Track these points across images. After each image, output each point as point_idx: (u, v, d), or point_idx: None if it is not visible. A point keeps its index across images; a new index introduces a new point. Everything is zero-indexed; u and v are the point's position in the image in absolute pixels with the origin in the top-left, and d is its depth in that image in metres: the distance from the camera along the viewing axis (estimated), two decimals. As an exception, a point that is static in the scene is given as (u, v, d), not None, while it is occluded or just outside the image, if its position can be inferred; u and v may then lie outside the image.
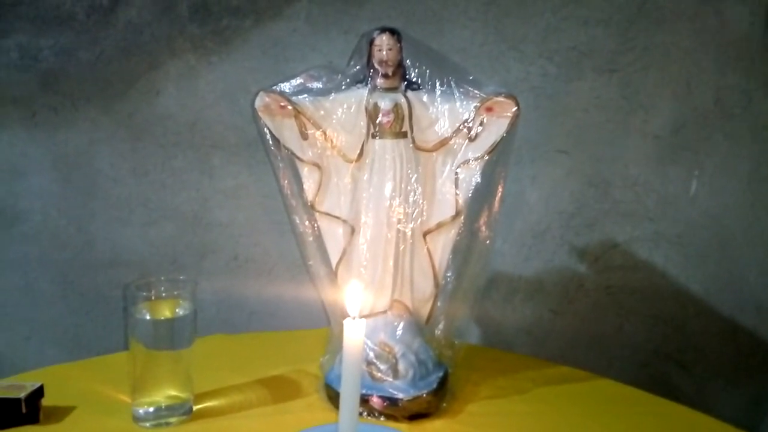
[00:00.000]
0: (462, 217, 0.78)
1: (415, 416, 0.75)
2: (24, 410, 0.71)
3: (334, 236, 0.81)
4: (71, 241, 1.15)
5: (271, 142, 0.78)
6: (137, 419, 0.73)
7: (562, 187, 1.15)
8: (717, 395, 1.14)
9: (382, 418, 0.74)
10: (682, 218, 1.14)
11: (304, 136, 0.78)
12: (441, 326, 0.81)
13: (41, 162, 1.13)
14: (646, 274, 1.15)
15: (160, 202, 1.15)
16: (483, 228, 0.79)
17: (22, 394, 0.71)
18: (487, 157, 0.76)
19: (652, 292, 1.16)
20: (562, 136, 1.13)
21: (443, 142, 0.77)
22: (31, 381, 0.74)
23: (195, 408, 0.75)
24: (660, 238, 1.14)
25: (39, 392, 0.73)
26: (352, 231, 0.79)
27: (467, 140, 0.76)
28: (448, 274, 0.80)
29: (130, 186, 1.15)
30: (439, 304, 0.81)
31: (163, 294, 0.74)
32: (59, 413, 0.74)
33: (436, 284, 0.80)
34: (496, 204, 0.78)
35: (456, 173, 0.77)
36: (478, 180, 0.77)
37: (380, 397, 0.74)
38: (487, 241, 0.79)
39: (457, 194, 0.77)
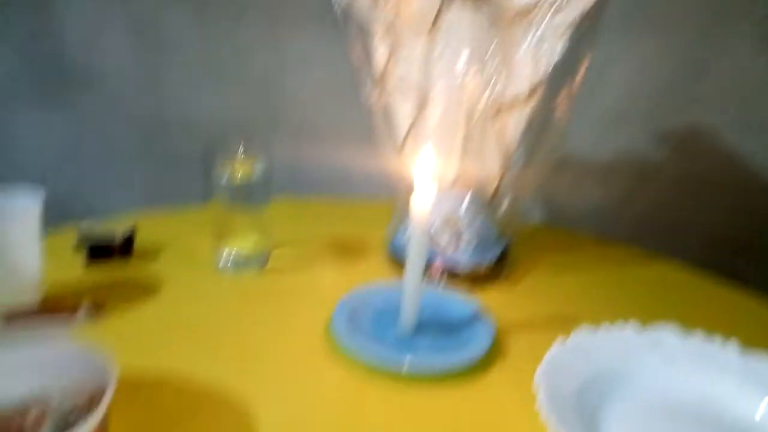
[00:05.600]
0: (538, 94, 0.75)
1: (474, 285, 0.78)
2: (119, 245, 0.77)
3: (402, 109, 0.80)
4: (146, 102, 1.19)
5: (342, 8, 0.77)
6: (220, 266, 0.78)
7: (650, 69, 1.08)
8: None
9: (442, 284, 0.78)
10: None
11: (376, 3, 0.76)
12: (506, 203, 0.81)
13: (117, 24, 1.15)
14: (729, 162, 1.10)
15: (230, 69, 1.17)
16: (559, 107, 0.76)
17: (118, 230, 0.78)
18: (570, 33, 0.72)
19: (733, 183, 1.11)
20: (655, 15, 1.04)
21: (525, 13, 0.73)
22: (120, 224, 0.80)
23: (270, 261, 0.81)
24: (751, 126, 1.07)
25: (132, 232, 0.80)
26: (422, 104, 0.78)
27: (551, 12, 0.72)
28: (519, 151, 0.79)
29: (200, 51, 1.16)
30: (506, 180, 0.81)
31: (240, 153, 0.77)
32: (150, 253, 0.80)
33: (505, 161, 0.79)
34: (576, 83, 0.75)
35: (536, 48, 0.74)
36: (559, 56, 0.73)
37: (442, 264, 0.77)
38: (563, 121, 0.77)
39: (535, 70, 0.74)
